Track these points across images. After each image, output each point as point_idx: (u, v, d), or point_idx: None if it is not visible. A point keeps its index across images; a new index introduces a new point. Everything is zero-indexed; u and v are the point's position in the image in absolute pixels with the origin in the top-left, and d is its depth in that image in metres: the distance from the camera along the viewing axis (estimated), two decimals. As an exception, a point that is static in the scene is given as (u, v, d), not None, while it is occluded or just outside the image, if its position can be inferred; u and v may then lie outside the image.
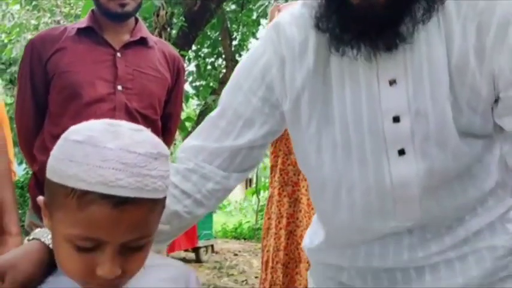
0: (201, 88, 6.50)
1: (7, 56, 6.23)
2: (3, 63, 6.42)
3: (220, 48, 6.41)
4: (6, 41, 6.51)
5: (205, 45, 6.60)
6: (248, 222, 9.87)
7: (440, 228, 0.89)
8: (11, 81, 7.59)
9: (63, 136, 0.67)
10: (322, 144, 0.88)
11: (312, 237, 1.04)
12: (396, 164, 0.85)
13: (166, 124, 1.74)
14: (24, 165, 7.98)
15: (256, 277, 5.46)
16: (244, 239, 8.71)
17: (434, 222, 0.89)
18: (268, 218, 2.34)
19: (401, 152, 0.84)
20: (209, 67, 6.69)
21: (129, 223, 0.64)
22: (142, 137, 0.66)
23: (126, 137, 0.65)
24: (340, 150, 0.87)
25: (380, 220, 0.88)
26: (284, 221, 2.26)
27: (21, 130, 1.67)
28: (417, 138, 0.83)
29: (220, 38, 6.37)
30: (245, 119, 0.93)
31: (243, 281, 5.52)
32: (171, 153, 0.75)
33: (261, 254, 2.39)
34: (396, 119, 0.83)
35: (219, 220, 9.95)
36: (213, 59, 6.72)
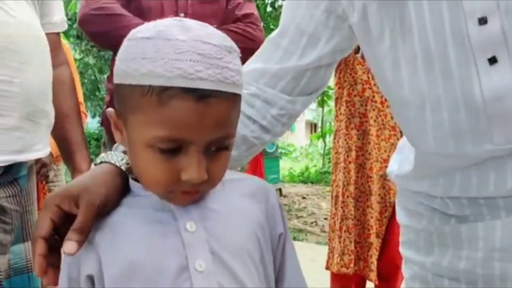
0: (262, 31, 6.39)
1: (72, 11, 6.39)
2: (69, 19, 6.61)
3: (279, -13, 6.23)
4: (70, -4, 6.66)
5: (264, -15, 6.44)
6: (315, 166, 9.89)
7: None
8: (78, 37, 7.83)
9: (127, 38, 0.62)
10: (399, 58, 0.78)
11: (401, 163, 0.96)
12: (487, 75, 0.73)
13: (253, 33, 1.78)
14: (98, 118, 8.34)
15: (325, 218, 5.49)
16: (312, 182, 8.75)
17: None
18: (336, 153, 2.28)
19: (493, 60, 0.72)
20: (269, 8, 6.54)
21: (213, 119, 0.60)
22: (212, 31, 0.62)
23: (196, 29, 0.61)
24: (420, 64, 0.76)
25: (473, 143, 0.77)
26: (353, 154, 2.20)
27: None
28: (511, 42, 0.71)
29: (279, -24, 6.18)
30: (309, 35, 0.85)
31: (312, 223, 5.57)
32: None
33: (330, 189, 2.35)
34: (483, 21, 0.71)
35: (285, 166, 10.04)
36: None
